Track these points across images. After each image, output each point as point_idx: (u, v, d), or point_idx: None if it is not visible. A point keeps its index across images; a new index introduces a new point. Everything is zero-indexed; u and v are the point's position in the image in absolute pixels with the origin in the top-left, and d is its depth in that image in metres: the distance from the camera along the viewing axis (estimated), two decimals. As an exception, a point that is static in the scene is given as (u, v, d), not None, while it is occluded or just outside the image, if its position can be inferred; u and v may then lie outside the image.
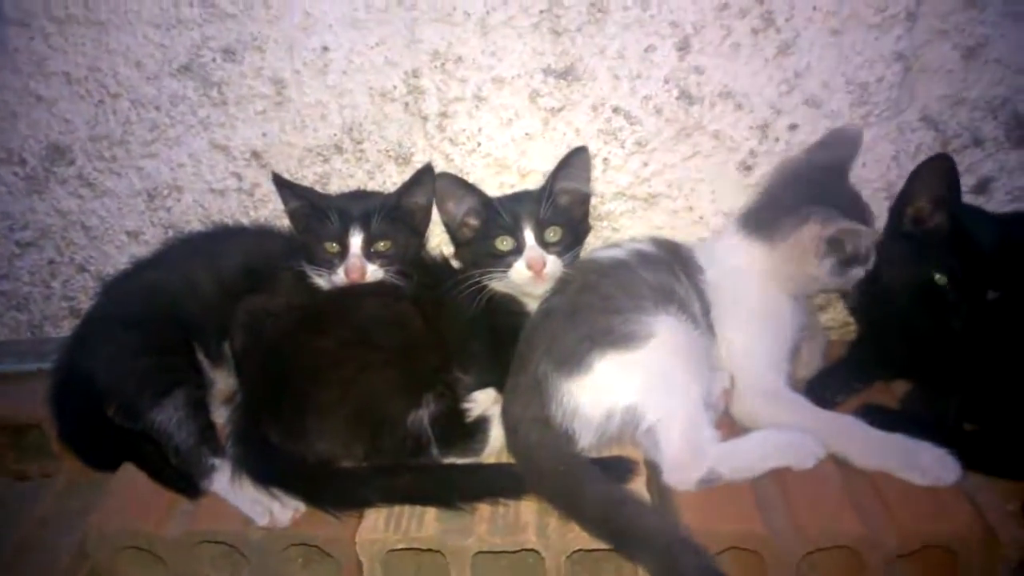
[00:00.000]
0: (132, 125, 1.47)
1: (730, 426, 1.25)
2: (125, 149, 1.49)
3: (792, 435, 1.20)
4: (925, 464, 1.15)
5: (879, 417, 1.23)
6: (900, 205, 1.29)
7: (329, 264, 1.33)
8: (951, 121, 1.42)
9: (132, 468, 1.26)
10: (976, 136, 1.42)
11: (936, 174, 1.25)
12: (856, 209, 1.26)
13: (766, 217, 1.29)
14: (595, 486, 1.10)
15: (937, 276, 1.22)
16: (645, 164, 1.46)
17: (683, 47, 1.38)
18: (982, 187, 1.45)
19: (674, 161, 1.46)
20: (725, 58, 1.39)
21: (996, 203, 1.45)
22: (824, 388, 1.32)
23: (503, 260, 1.31)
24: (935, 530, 1.10)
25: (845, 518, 1.11)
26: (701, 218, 1.50)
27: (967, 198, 1.42)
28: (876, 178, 1.45)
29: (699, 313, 1.28)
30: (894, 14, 1.35)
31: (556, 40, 1.38)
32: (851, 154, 1.31)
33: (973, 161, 1.44)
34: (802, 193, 1.27)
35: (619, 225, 1.51)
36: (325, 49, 1.40)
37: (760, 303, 1.29)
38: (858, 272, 1.26)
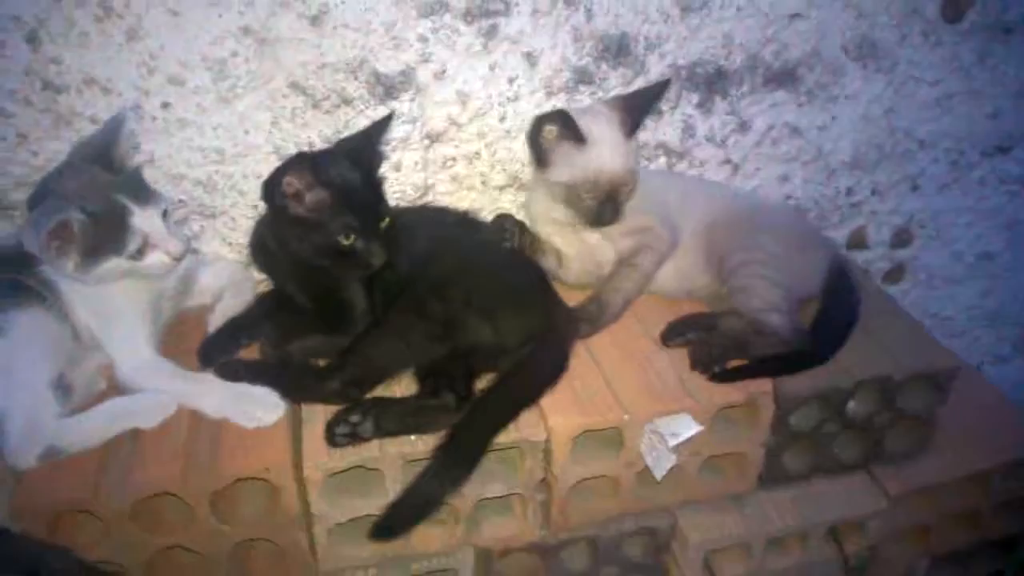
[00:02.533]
0: None
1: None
2: None
3: (140, 398, 1.35)
4: (251, 409, 1.34)
5: (233, 370, 1.40)
6: (280, 197, 1.34)
7: None
8: (318, 85, 1.55)
9: None
10: (344, 97, 1.57)
11: (301, 166, 1.32)
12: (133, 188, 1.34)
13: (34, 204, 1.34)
14: None
15: (341, 239, 1.34)
16: (35, 153, 1.51)
17: (32, 39, 1.42)
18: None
19: (62, 149, 1.51)
20: (79, 47, 1.43)
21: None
22: (211, 348, 1.46)
23: None
24: (244, 465, 1.29)
25: (167, 467, 1.29)
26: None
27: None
28: (263, 143, 1.58)
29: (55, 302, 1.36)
30: (226, -8, 1.43)
31: None
32: (113, 139, 1.36)
33: (348, 119, 1.59)
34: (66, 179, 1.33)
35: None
36: None
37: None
38: (116, 262, 1.34)
